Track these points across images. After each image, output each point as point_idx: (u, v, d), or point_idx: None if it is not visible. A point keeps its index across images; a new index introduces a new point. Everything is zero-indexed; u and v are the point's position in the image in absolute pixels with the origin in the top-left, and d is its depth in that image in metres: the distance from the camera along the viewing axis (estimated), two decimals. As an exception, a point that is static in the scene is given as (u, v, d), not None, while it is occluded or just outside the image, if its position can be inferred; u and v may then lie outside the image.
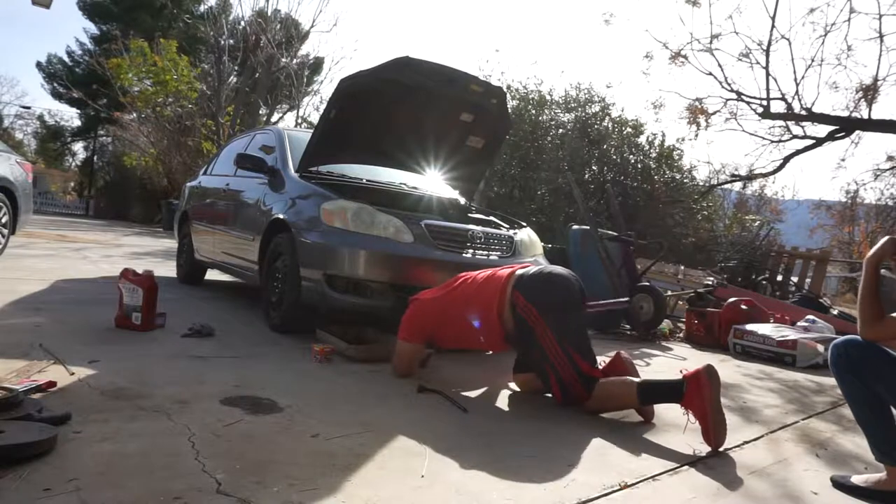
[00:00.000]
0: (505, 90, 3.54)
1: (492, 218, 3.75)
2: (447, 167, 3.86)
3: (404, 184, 3.85)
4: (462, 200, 4.05)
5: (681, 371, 2.03)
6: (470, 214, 3.74)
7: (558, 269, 2.38)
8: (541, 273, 2.30)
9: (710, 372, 1.92)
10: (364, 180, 3.67)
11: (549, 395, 2.26)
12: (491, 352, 3.15)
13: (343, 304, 2.80)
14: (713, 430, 1.88)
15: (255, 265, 3.41)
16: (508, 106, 3.58)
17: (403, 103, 3.31)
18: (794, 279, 7.59)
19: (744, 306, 4.77)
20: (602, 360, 2.33)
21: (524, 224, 3.70)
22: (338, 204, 2.91)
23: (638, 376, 2.20)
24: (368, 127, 3.40)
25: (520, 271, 2.31)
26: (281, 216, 3.14)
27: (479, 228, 3.20)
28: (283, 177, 3.43)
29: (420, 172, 3.87)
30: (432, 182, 4.01)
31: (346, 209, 2.88)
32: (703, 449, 1.94)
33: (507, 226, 3.58)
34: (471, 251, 3.04)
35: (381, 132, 3.50)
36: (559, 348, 2.12)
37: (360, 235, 2.81)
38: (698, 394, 1.91)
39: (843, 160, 7.80)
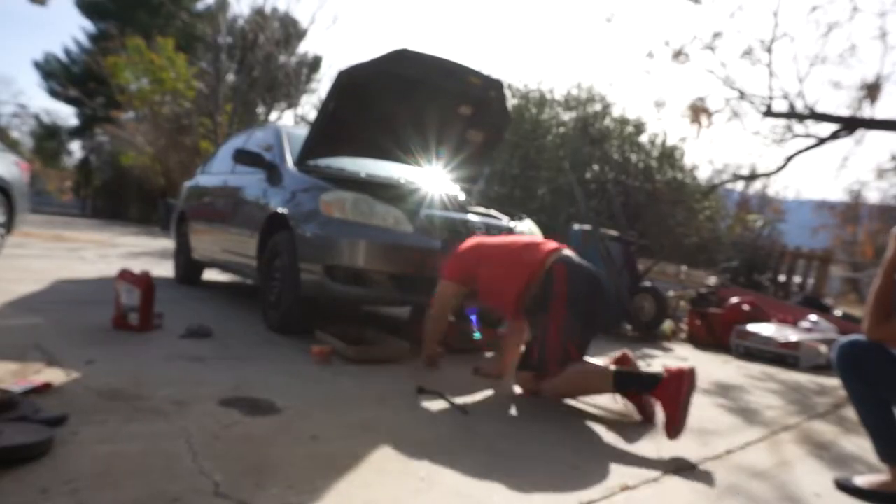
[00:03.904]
0: (504, 83, 3.51)
1: (492, 210, 3.75)
2: (447, 161, 3.85)
3: (403, 177, 3.84)
4: (462, 195, 4.04)
5: (664, 367, 2.10)
6: (469, 207, 3.73)
7: (600, 278, 2.40)
8: (587, 268, 2.34)
9: (693, 374, 2.00)
10: (363, 174, 3.66)
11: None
12: (490, 353, 3.14)
13: (344, 295, 2.80)
14: (679, 423, 1.95)
15: (255, 260, 3.40)
16: (508, 100, 3.57)
17: (402, 96, 3.30)
18: (798, 279, 7.58)
19: (746, 307, 4.76)
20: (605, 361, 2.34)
21: (524, 216, 3.70)
22: (336, 195, 2.90)
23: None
24: (367, 120, 3.39)
25: (568, 252, 2.36)
26: (279, 210, 3.13)
27: (478, 219, 3.20)
28: (281, 171, 3.42)
29: (419, 166, 3.85)
30: (432, 176, 3.99)
31: (344, 199, 2.87)
32: (704, 451, 1.93)
33: (508, 217, 3.59)
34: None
35: (380, 125, 3.49)
36: (560, 333, 2.18)
37: (360, 225, 2.81)
38: (678, 389, 1.96)
39: (846, 159, 7.76)
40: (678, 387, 1.96)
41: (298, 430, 1.68)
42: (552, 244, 2.40)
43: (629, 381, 2.13)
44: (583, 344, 2.26)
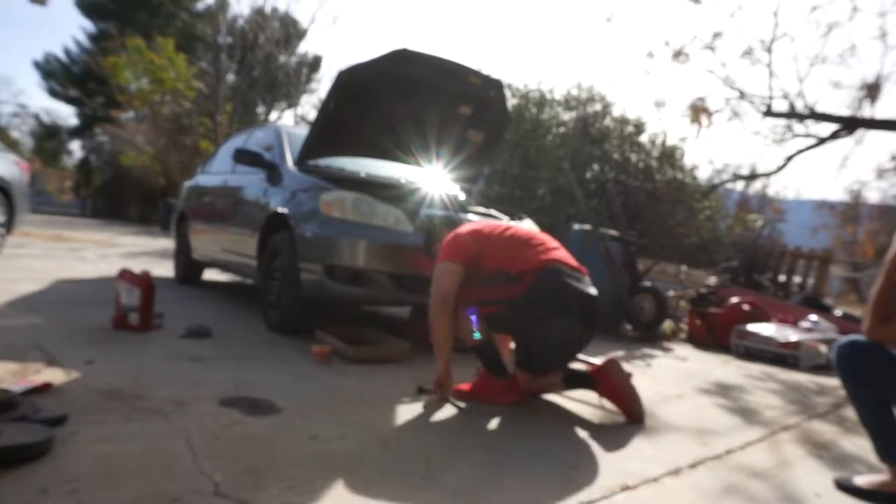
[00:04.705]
0: (503, 83, 3.51)
1: (492, 210, 3.75)
2: (447, 161, 3.85)
3: (403, 177, 3.84)
4: (462, 195, 4.04)
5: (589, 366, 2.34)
6: (469, 207, 3.73)
7: (594, 298, 2.19)
8: (572, 287, 2.11)
9: (612, 364, 2.21)
10: (363, 174, 3.66)
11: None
12: None
13: (344, 295, 2.80)
14: (631, 407, 2.17)
15: (255, 260, 3.40)
16: (508, 100, 3.56)
17: (402, 96, 3.30)
18: (798, 279, 7.59)
19: (746, 307, 4.76)
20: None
21: (524, 216, 3.70)
22: (336, 194, 2.91)
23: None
24: (367, 120, 3.39)
25: (560, 266, 2.15)
26: (280, 209, 3.13)
27: (479, 218, 3.20)
28: (280, 171, 3.42)
29: (419, 166, 3.86)
30: (432, 176, 3.99)
31: (345, 199, 2.88)
32: (704, 451, 1.93)
33: (508, 217, 3.59)
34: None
35: (380, 125, 3.49)
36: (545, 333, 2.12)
37: (361, 225, 2.81)
38: (609, 384, 2.19)
39: (846, 159, 7.77)
40: (608, 382, 2.19)
41: (298, 430, 1.68)
42: (552, 253, 2.22)
43: (574, 381, 2.27)
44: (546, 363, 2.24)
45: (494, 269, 2.21)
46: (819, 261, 7.69)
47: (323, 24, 36.96)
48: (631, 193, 7.84)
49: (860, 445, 2.17)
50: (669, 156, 9.14)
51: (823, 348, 4.13)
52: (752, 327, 4.40)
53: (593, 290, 2.17)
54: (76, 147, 28.08)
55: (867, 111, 6.01)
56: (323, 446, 1.59)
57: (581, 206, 5.63)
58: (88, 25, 23.00)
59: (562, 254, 2.24)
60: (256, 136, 4.21)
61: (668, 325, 4.82)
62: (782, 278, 7.59)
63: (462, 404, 2.12)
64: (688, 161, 9.31)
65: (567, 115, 9.59)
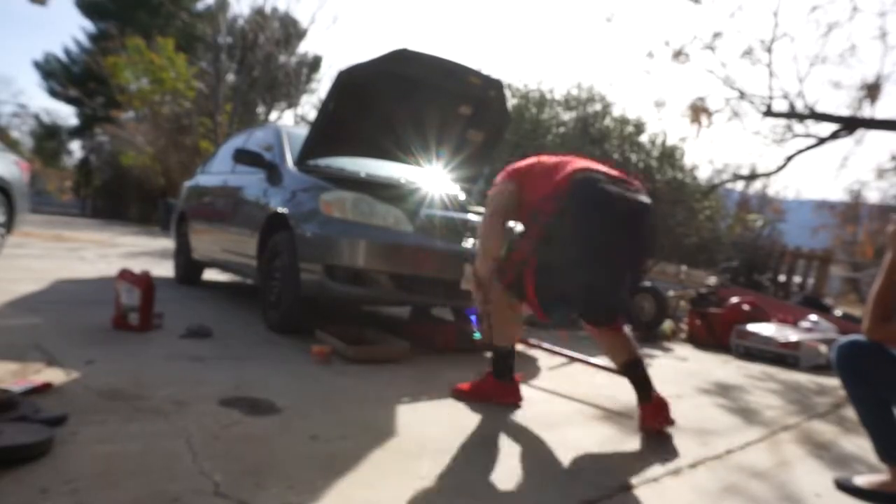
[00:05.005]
0: (503, 83, 3.51)
1: None
2: (447, 161, 3.85)
3: (403, 177, 3.84)
4: (462, 195, 4.04)
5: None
6: (469, 207, 3.73)
7: (646, 206, 1.95)
8: (623, 193, 1.90)
9: (665, 405, 2.06)
10: (363, 174, 3.66)
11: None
12: None
13: (344, 295, 2.80)
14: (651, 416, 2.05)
15: (255, 260, 3.41)
16: (508, 99, 3.56)
17: (402, 96, 3.30)
18: (798, 279, 7.59)
19: (746, 307, 4.76)
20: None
21: None
22: (336, 194, 2.91)
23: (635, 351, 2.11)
24: (367, 120, 3.39)
25: (595, 174, 1.97)
26: (279, 210, 3.14)
27: (479, 219, 3.20)
28: (281, 171, 3.43)
29: (419, 166, 3.86)
30: (432, 176, 4.00)
31: (345, 199, 2.88)
32: (704, 451, 1.93)
33: None
34: (471, 240, 3.04)
35: (380, 125, 3.50)
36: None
37: (361, 225, 2.82)
38: (653, 416, 2.03)
39: (846, 159, 7.79)
40: (654, 416, 2.03)
41: (298, 429, 1.68)
42: (579, 163, 2.03)
43: (638, 381, 2.06)
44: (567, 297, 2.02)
45: (529, 210, 2.06)
46: (819, 261, 7.69)
47: (323, 24, 37.05)
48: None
49: (860, 445, 2.17)
50: (669, 156, 9.13)
51: (823, 348, 4.13)
52: (752, 327, 4.41)
53: (644, 199, 1.95)
54: (76, 147, 28.07)
55: (867, 111, 6.02)
56: (323, 446, 1.59)
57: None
58: (88, 25, 23.00)
59: (595, 165, 2.03)
60: (256, 136, 4.21)
61: (668, 325, 4.82)
62: (782, 278, 7.59)
63: (462, 402, 2.14)
64: (688, 161, 9.30)
65: (567, 115, 9.58)
